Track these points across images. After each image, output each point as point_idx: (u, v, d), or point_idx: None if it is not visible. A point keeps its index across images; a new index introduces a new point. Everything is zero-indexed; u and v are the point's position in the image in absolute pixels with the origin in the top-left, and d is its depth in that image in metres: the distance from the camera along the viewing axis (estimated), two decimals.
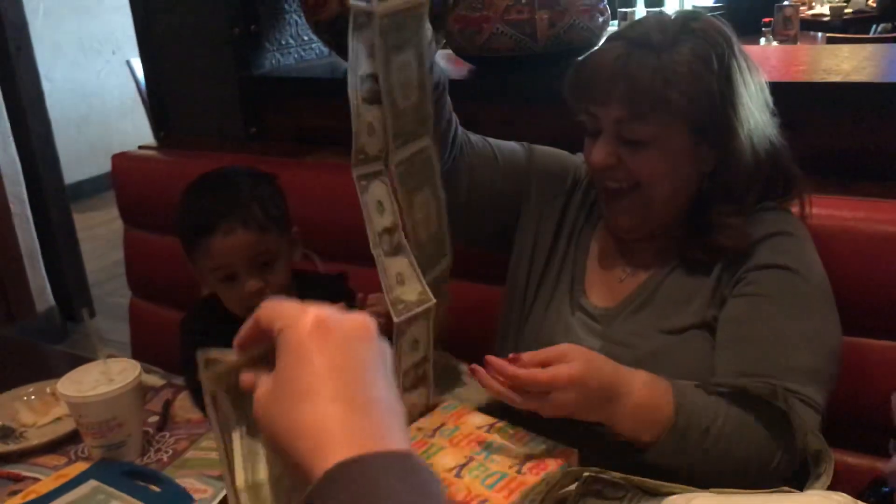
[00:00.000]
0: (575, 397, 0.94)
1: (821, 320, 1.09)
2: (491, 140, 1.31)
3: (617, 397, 0.98)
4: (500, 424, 1.02)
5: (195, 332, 1.37)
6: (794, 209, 1.19)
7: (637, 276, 1.21)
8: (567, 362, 0.95)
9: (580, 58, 1.15)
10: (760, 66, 1.16)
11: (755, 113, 1.12)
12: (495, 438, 0.99)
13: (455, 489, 0.90)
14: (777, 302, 1.08)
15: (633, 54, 1.08)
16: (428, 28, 1.01)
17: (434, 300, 1.02)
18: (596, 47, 1.16)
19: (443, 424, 1.03)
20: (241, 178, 1.37)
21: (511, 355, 0.96)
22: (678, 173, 1.13)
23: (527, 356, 0.96)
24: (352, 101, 0.97)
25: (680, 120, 1.09)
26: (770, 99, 1.16)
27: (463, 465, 0.94)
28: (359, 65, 0.97)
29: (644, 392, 1.00)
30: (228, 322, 1.37)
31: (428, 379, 1.08)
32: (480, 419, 1.03)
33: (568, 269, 1.26)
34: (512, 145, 1.32)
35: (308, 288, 1.43)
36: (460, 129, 1.25)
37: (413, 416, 1.05)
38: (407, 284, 1.03)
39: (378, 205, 1.02)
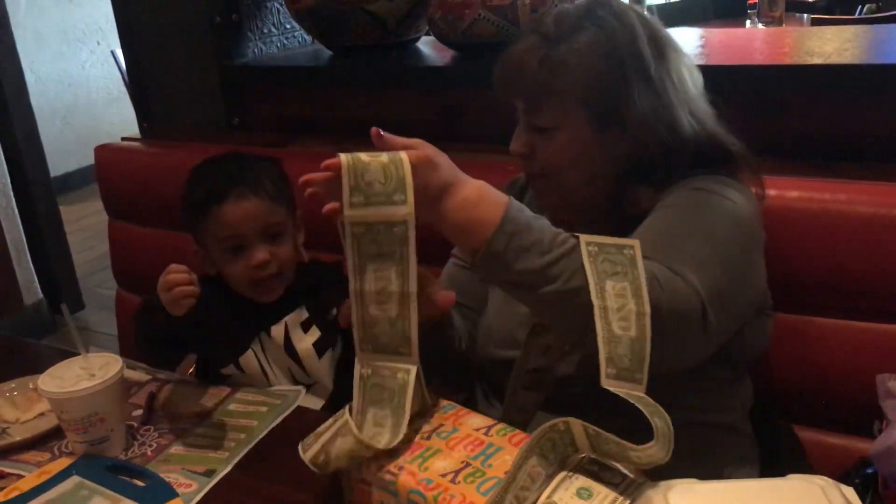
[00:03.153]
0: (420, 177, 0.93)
1: (721, 234, 1.05)
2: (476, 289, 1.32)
3: (453, 189, 0.96)
4: (499, 426, 0.98)
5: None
6: (755, 190, 1.18)
7: None
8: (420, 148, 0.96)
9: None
10: (746, 49, 1.15)
11: (668, 96, 1.11)
12: (493, 441, 0.95)
13: (449, 495, 0.87)
14: (676, 208, 1.09)
15: (530, 46, 1.13)
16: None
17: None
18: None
19: (441, 426, 0.99)
20: (249, 156, 1.42)
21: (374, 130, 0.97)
22: (587, 159, 1.15)
23: (387, 136, 0.97)
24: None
25: (575, 108, 1.12)
26: (699, 80, 1.16)
27: (459, 471, 0.91)
28: None
29: (475, 190, 0.97)
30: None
31: None
32: (479, 421, 1.00)
33: None
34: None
35: (313, 274, 1.43)
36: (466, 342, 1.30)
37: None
38: None
39: None
